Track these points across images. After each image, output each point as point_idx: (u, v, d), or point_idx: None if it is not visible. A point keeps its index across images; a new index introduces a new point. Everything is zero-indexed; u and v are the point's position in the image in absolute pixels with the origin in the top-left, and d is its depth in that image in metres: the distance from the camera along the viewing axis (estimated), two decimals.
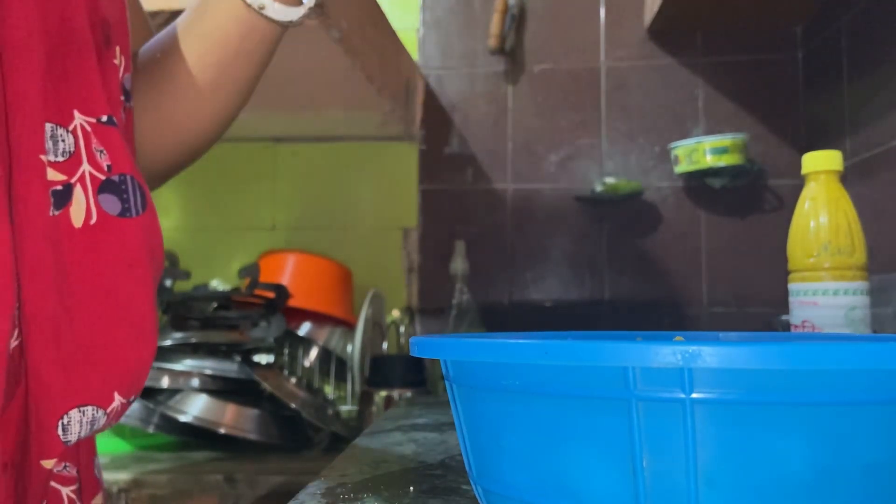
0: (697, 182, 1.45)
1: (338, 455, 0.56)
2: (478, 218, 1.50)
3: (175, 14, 1.00)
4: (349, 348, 1.38)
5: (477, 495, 0.36)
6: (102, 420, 0.48)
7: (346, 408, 1.38)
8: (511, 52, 1.50)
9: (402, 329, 1.46)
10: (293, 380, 1.31)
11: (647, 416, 0.27)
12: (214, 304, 1.22)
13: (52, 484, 0.48)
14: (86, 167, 0.48)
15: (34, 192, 0.45)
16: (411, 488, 0.45)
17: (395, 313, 1.49)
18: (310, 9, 0.59)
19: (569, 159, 1.49)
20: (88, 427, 0.47)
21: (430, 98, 1.52)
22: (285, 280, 1.39)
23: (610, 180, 1.45)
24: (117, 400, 0.48)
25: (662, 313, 1.44)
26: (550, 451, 0.29)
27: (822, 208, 0.69)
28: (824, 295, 0.68)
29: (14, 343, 0.44)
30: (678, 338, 0.43)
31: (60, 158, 0.47)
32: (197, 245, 1.55)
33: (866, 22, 1.21)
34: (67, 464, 0.49)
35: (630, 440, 0.27)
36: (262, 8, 0.57)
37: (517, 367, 0.30)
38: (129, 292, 0.49)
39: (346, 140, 1.55)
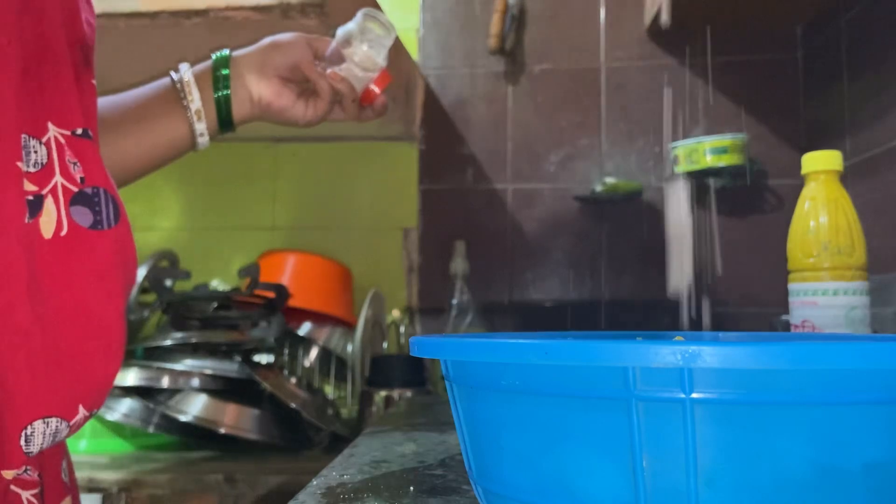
0: (697, 182, 1.45)
1: (338, 455, 0.56)
2: (478, 218, 1.50)
3: (174, 14, 0.99)
4: (349, 348, 1.38)
5: (477, 495, 0.36)
6: (65, 432, 0.47)
7: (346, 408, 1.38)
8: (511, 53, 1.50)
9: (402, 329, 1.46)
10: (293, 380, 1.31)
11: (647, 416, 0.27)
12: (214, 304, 1.23)
13: (12, 488, 0.48)
14: (58, 179, 0.48)
15: (10, 199, 0.45)
16: (411, 488, 0.45)
17: (395, 313, 1.49)
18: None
19: (569, 159, 1.49)
20: (51, 439, 0.47)
21: (430, 98, 1.52)
22: (285, 280, 1.39)
23: (610, 180, 1.45)
24: (81, 413, 0.48)
25: (662, 313, 1.44)
26: (550, 451, 0.29)
27: (822, 208, 0.69)
28: (824, 295, 0.68)
29: None
30: (678, 338, 0.43)
31: (32, 169, 0.46)
32: (197, 245, 1.55)
33: (866, 22, 1.21)
34: (28, 467, 0.48)
35: (630, 440, 0.27)
36: (201, 135, 0.70)
37: (517, 367, 0.30)
38: (99, 305, 0.49)
39: (346, 140, 1.55)
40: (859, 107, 1.22)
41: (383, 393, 1.21)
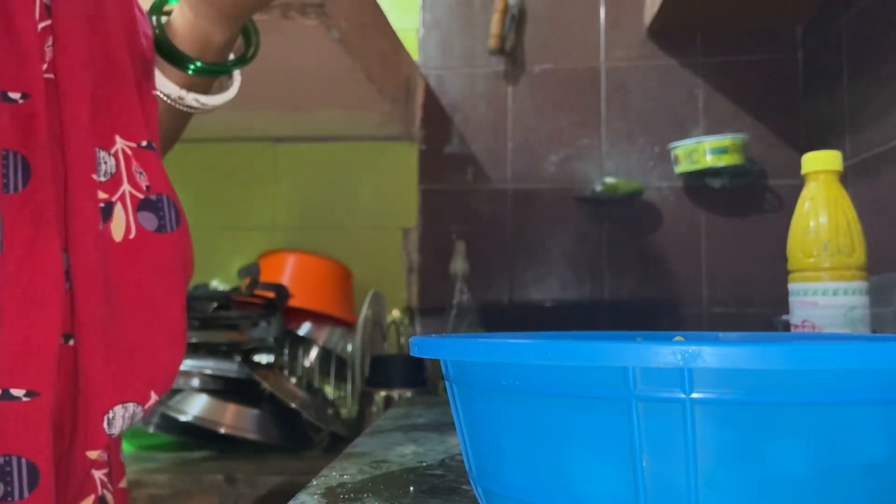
0: (697, 182, 1.45)
1: (338, 455, 0.56)
2: (478, 218, 1.50)
3: None
4: (349, 348, 1.38)
5: (477, 495, 0.36)
6: (140, 415, 0.53)
7: (346, 408, 1.38)
8: (511, 53, 1.50)
9: (402, 329, 1.46)
10: (293, 380, 1.31)
11: (647, 417, 0.27)
12: (214, 304, 1.23)
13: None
14: (126, 187, 0.53)
15: (87, 208, 0.50)
16: (411, 488, 0.45)
17: (395, 313, 1.49)
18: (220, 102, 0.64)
19: (569, 159, 1.49)
20: (129, 421, 0.52)
21: (430, 98, 1.52)
22: (285, 280, 1.39)
23: (610, 180, 1.45)
24: (153, 398, 0.53)
25: (662, 313, 1.44)
26: (550, 451, 0.29)
27: (821, 208, 0.69)
28: (824, 295, 0.68)
29: (65, 342, 0.49)
30: (678, 338, 0.43)
31: (103, 179, 0.52)
32: (197, 245, 1.54)
33: (866, 22, 1.21)
34: (100, 450, 0.53)
35: (630, 440, 0.27)
36: (181, 100, 0.60)
37: (517, 367, 0.30)
38: (164, 300, 0.54)
39: (346, 140, 1.55)
40: (859, 107, 1.22)
41: (383, 393, 1.21)
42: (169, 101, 0.61)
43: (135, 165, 0.53)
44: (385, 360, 1.27)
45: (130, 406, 0.51)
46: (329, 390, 1.43)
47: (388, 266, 1.52)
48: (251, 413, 1.16)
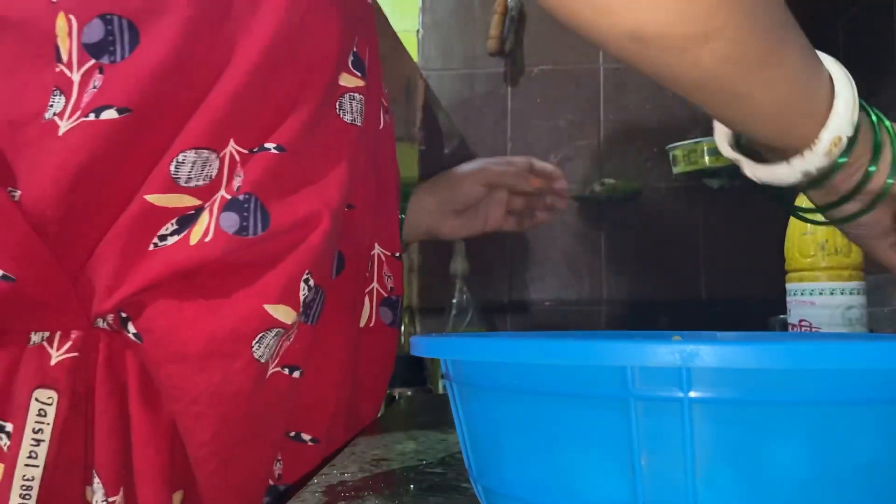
0: (696, 182, 1.45)
1: (338, 454, 0.56)
2: None
3: None
4: None
5: (477, 494, 0.36)
6: None
7: None
8: (511, 54, 1.50)
9: (401, 329, 1.46)
10: None
11: (646, 416, 0.27)
12: None
13: None
14: (375, 285, 0.63)
15: (361, 303, 0.61)
16: (411, 486, 0.45)
17: None
18: None
19: (568, 160, 1.49)
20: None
21: (430, 98, 1.52)
22: None
23: (608, 181, 1.45)
24: None
25: (661, 313, 1.44)
26: (549, 449, 0.29)
27: None
28: (821, 294, 0.68)
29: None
30: (676, 337, 0.44)
31: None
32: None
33: (864, 22, 1.21)
34: None
35: (628, 439, 0.27)
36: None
37: (516, 366, 0.30)
38: (383, 379, 0.66)
39: None
40: None
41: None
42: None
43: (385, 269, 0.64)
44: None
45: None
46: None
47: None
48: None
